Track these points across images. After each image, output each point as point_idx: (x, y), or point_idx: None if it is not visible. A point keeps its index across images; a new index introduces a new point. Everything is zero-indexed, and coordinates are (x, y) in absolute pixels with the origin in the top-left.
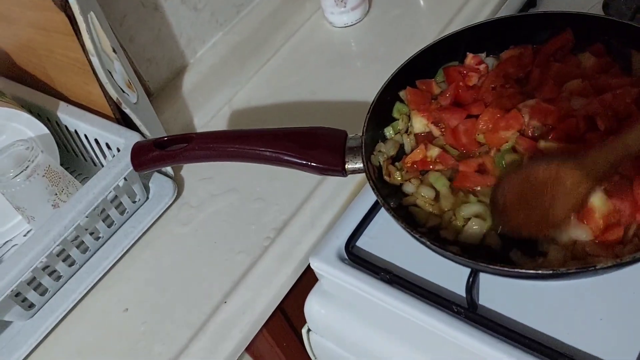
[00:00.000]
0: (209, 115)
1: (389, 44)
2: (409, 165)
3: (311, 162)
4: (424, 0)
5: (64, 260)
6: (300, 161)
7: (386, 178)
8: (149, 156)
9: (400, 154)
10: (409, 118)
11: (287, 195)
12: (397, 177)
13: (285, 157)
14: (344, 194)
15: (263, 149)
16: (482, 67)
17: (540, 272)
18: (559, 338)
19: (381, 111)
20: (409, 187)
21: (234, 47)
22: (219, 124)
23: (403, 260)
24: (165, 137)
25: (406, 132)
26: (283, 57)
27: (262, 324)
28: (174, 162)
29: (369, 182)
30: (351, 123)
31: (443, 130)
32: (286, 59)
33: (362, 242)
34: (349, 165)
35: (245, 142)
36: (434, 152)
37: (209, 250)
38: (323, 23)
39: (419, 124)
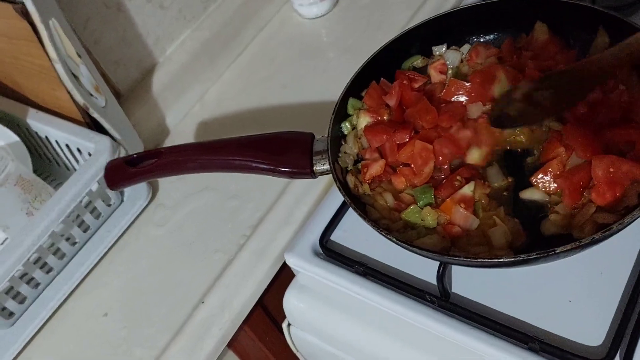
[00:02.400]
0: (181, 114)
1: (359, 33)
2: (369, 180)
3: (280, 168)
4: None
5: (41, 268)
6: (269, 167)
7: (355, 192)
8: (122, 175)
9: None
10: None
11: (261, 192)
12: (366, 190)
13: (254, 165)
14: (317, 189)
15: (232, 158)
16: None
17: (502, 260)
18: (530, 322)
19: (346, 107)
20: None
21: (204, 44)
22: (192, 122)
23: (376, 252)
24: (134, 154)
25: (353, 129)
26: (253, 52)
27: (242, 321)
28: (146, 179)
29: (336, 184)
30: (322, 117)
31: None
32: (257, 53)
33: (336, 236)
34: (317, 168)
35: (213, 152)
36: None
37: (185, 250)
38: (293, 15)
39: (364, 123)
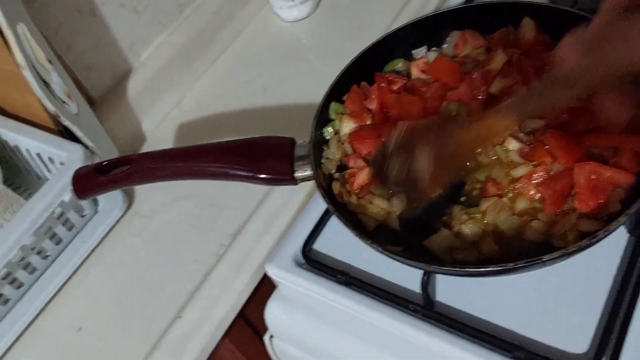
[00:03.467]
0: (157, 120)
1: (341, 36)
2: (357, 190)
3: (259, 174)
4: None
5: (10, 283)
6: (248, 174)
7: (339, 199)
8: (91, 183)
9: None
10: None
11: (241, 199)
12: (353, 201)
13: (232, 172)
14: (299, 196)
15: (208, 165)
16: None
17: (489, 269)
18: (516, 330)
19: (329, 111)
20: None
21: (180, 48)
22: (169, 128)
23: (360, 260)
24: (105, 161)
25: (336, 134)
26: (232, 55)
27: (222, 334)
28: (117, 187)
29: (319, 191)
30: (304, 121)
31: None
32: (236, 57)
33: (319, 245)
34: (298, 174)
35: (189, 159)
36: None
37: (163, 261)
38: (273, 18)
39: (347, 129)
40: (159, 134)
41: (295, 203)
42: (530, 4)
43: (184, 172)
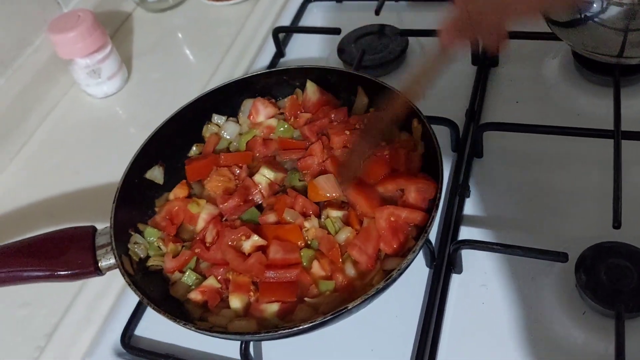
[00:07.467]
0: None
1: (155, 108)
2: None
3: (59, 271)
4: (183, 60)
5: None
6: (45, 273)
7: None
8: None
9: None
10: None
11: (57, 292)
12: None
13: (27, 274)
14: (119, 280)
15: None
16: None
17: (301, 327)
18: None
19: (133, 192)
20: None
21: None
22: None
23: (184, 338)
24: None
25: None
26: (41, 139)
27: None
28: None
29: (125, 279)
30: None
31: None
32: (45, 141)
33: (141, 330)
34: (103, 264)
35: None
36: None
37: None
38: (82, 96)
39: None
40: None
41: (116, 287)
42: (312, 68)
43: None
